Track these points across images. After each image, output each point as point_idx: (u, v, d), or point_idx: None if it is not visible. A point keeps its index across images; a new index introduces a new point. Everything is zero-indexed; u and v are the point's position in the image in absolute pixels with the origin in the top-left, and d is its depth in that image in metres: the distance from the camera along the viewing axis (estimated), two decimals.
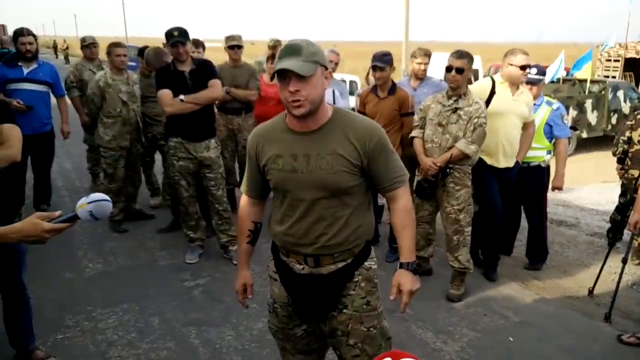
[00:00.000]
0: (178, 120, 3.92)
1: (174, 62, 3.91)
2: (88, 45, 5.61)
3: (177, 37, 3.79)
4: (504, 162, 3.85)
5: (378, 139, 1.80)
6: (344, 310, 1.88)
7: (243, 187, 2.06)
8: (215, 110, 5.44)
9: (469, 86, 3.70)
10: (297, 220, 1.84)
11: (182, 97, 3.82)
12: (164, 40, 4.09)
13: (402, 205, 1.89)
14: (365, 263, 1.91)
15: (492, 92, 3.80)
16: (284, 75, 1.67)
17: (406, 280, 1.90)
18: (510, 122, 3.78)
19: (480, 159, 3.85)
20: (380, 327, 1.95)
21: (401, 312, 1.95)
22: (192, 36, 4.43)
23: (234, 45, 4.83)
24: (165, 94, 3.85)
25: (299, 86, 1.66)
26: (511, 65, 3.72)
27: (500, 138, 3.79)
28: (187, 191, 4.11)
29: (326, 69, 1.75)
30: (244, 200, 2.07)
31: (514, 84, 3.77)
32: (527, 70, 3.73)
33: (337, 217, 1.82)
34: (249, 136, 1.97)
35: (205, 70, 3.98)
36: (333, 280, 1.87)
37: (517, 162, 3.93)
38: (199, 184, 4.19)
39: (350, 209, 1.83)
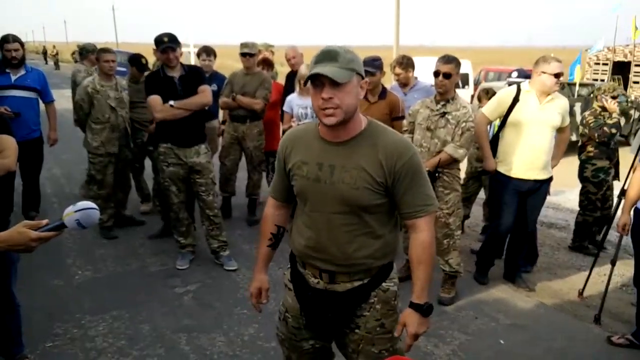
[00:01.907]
0: (168, 126, 3.91)
1: (163, 67, 3.91)
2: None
3: (167, 43, 3.79)
4: (531, 174, 3.72)
5: (407, 159, 1.68)
6: (356, 331, 1.82)
7: (270, 189, 2.02)
8: (221, 116, 5.49)
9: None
10: (315, 233, 1.77)
11: (171, 102, 3.82)
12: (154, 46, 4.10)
13: (422, 239, 1.75)
14: (383, 284, 1.82)
15: (515, 101, 3.71)
16: (318, 82, 1.61)
17: (413, 321, 1.76)
18: (537, 132, 3.64)
19: (500, 172, 3.80)
20: (393, 350, 1.86)
21: (405, 351, 1.85)
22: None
23: (245, 53, 4.83)
24: (155, 99, 3.84)
25: (332, 93, 1.59)
26: (544, 73, 3.59)
27: (524, 149, 3.67)
28: (178, 197, 4.10)
29: (362, 77, 1.68)
30: (269, 202, 2.02)
31: (545, 92, 3.64)
32: (561, 78, 3.61)
33: (355, 236, 1.73)
34: (280, 140, 1.90)
35: (195, 76, 3.97)
36: (347, 299, 1.79)
37: (550, 177, 3.80)
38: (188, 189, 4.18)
39: (370, 229, 1.74)
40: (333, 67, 1.59)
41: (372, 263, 1.77)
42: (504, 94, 3.84)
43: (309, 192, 1.76)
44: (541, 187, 3.81)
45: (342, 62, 1.60)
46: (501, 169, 3.81)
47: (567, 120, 3.80)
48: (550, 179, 3.83)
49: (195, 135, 4.02)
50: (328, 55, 1.62)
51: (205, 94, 3.94)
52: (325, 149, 1.72)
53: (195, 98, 3.90)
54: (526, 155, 3.69)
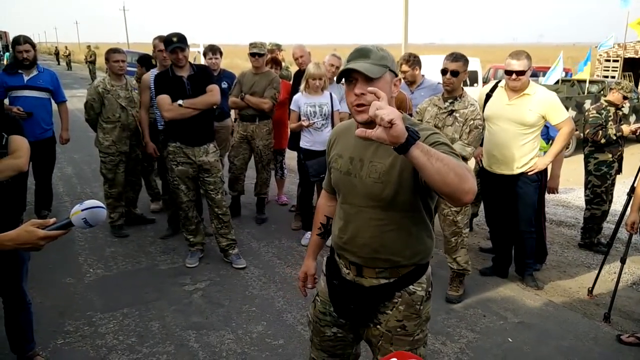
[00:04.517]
0: (177, 125, 3.94)
1: (172, 67, 3.94)
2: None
3: (176, 42, 3.82)
4: (497, 168, 3.82)
5: (432, 143, 1.58)
6: (378, 326, 1.84)
7: (324, 182, 2.11)
8: (233, 116, 5.51)
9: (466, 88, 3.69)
10: (345, 225, 1.82)
11: (180, 102, 3.85)
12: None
13: None
14: (410, 287, 1.80)
15: (488, 97, 3.82)
16: (350, 78, 1.64)
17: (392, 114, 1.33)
18: (502, 128, 3.69)
19: (481, 165, 3.93)
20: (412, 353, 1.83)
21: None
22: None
23: (254, 53, 4.86)
24: (164, 99, 3.87)
25: (364, 89, 1.57)
26: None
27: (491, 144, 3.79)
28: (187, 196, 4.13)
29: (396, 75, 1.69)
30: (322, 194, 2.12)
31: (510, 88, 3.66)
32: (513, 75, 3.56)
33: (381, 231, 1.74)
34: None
35: (203, 76, 4.00)
36: (370, 295, 1.81)
37: (522, 174, 3.73)
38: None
39: (395, 226, 1.73)
40: (366, 63, 1.62)
41: (398, 261, 1.77)
42: (482, 90, 3.95)
43: (341, 184, 1.82)
44: (519, 185, 3.78)
45: (374, 59, 1.63)
46: (483, 161, 3.99)
47: (560, 115, 3.63)
48: (522, 175, 3.74)
49: (204, 134, 4.05)
50: (361, 52, 1.65)
51: (213, 93, 3.97)
52: (359, 144, 1.75)
53: (204, 97, 3.93)
54: (493, 150, 3.79)
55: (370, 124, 1.58)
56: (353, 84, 1.64)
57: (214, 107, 4.12)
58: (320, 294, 1.99)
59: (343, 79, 1.68)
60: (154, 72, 4.56)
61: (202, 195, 4.30)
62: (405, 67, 4.41)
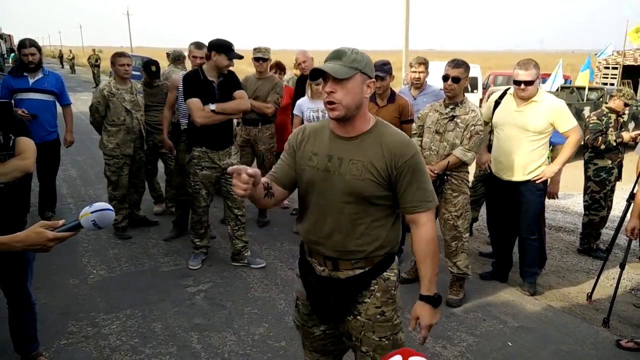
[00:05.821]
0: (203, 130, 3.93)
1: (202, 69, 3.94)
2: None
3: (234, 51, 3.87)
4: (504, 174, 3.85)
5: (409, 157, 1.79)
6: (358, 317, 1.91)
7: (271, 173, 1.93)
8: (236, 120, 5.57)
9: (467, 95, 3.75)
10: (321, 220, 1.86)
11: (212, 107, 3.86)
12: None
13: (424, 234, 1.85)
14: (384, 273, 1.91)
15: (497, 103, 3.87)
16: (324, 77, 1.75)
17: (425, 313, 1.88)
18: (509, 134, 3.73)
19: (490, 169, 4.00)
20: (393, 339, 1.94)
21: (421, 344, 1.97)
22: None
23: (258, 58, 4.91)
24: (196, 103, 3.86)
25: (333, 88, 1.72)
26: None
27: (499, 150, 3.83)
28: (205, 201, 4.14)
29: (370, 77, 1.78)
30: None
31: (518, 97, 3.69)
32: (522, 86, 3.60)
33: (358, 224, 1.83)
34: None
35: (231, 81, 4.03)
36: (348, 286, 1.88)
37: (529, 181, 3.75)
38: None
39: (371, 219, 1.84)
40: (335, 65, 1.72)
41: (372, 251, 1.86)
42: (492, 96, 4.00)
43: (318, 181, 1.85)
44: (524, 193, 3.80)
45: (345, 61, 1.73)
46: (492, 166, 4.03)
47: (568, 123, 3.64)
48: (529, 183, 3.77)
49: (227, 138, 4.10)
50: (335, 54, 1.76)
51: (243, 100, 4.01)
52: (335, 143, 1.84)
53: (234, 103, 3.96)
54: (500, 156, 3.83)
55: (345, 122, 1.78)
56: (325, 83, 1.75)
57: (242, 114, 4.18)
58: (301, 297, 2.05)
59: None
60: (182, 73, 4.62)
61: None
62: (422, 68, 4.39)
